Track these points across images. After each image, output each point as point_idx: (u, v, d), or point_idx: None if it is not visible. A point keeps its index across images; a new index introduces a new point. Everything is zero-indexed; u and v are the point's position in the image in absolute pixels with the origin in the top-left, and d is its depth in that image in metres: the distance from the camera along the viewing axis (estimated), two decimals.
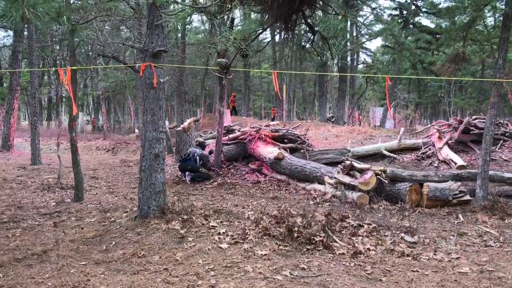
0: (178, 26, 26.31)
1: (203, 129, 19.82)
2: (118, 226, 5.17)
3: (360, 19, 28.57)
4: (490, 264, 4.07)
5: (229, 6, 4.56)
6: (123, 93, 33.97)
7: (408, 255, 4.26)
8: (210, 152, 9.79)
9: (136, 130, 25.04)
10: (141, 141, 5.53)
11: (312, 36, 5.61)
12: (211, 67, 12.33)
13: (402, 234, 4.87)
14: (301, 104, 41.57)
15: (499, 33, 7.33)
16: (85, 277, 3.57)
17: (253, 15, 17.27)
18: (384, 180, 6.82)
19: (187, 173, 9.02)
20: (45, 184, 8.73)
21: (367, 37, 31.61)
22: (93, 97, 40.52)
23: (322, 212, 5.21)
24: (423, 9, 27.98)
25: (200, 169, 9.03)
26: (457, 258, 4.24)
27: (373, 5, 27.37)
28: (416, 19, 28.55)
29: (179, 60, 20.42)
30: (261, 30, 5.58)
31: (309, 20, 5.15)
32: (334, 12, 5.36)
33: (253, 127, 10.40)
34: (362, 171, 7.10)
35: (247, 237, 4.54)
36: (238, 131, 10.74)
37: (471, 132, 10.31)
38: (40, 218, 5.88)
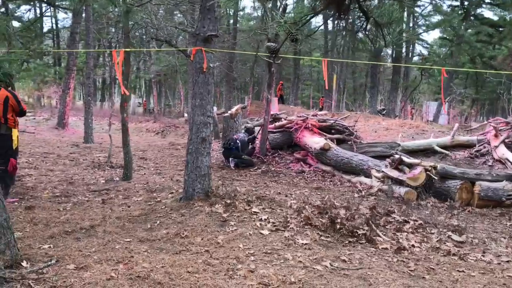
0: (230, 12, 26.43)
1: (250, 116, 19.89)
2: (163, 206, 5.30)
3: (417, 9, 27.43)
4: None
5: None
6: (174, 77, 34.66)
7: (454, 255, 4.09)
8: (249, 141, 9.73)
9: (185, 114, 25.52)
10: (189, 125, 5.61)
11: (366, 22, 5.43)
12: (261, 53, 12.27)
13: (450, 233, 4.67)
14: (351, 95, 40.69)
15: None
16: (129, 253, 3.67)
17: (306, 1, 16.96)
18: (434, 177, 6.55)
19: (231, 159, 9.11)
20: (95, 162, 9.12)
21: (424, 28, 30.34)
22: (145, 80, 41.71)
23: (366, 206, 5.10)
24: (487, 0, 26.38)
25: (243, 156, 9.08)
26: (507, 261, 4.02)
27: None
28: (478, 10, 26.94)
29: (229, 46, 20.53)
30: (312, 14, 5.47)
31: (363, 5, 4.98)
32: None
33: (300, 116, 10.29)
34: (411, 166, 6.86)
35: (289, 225, 4.51)
36: (285, 119, 10.66)
37: None
38: (89, 195, 6.15)
